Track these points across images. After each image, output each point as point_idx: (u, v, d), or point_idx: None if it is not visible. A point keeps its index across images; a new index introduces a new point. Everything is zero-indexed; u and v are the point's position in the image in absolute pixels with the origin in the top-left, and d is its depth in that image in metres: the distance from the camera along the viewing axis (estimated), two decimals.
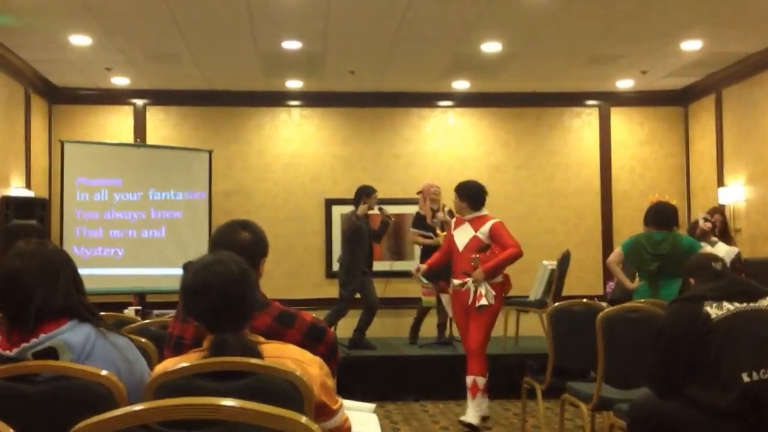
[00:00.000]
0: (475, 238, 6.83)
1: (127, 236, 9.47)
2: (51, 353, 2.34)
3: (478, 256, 6.74)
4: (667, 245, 6.25)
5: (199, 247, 9.72)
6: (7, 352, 2.35)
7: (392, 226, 9.10)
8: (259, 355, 2.34)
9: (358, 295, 8.67)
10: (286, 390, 2.22)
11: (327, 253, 10.50)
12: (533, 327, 8.97)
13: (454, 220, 7.21)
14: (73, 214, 9.26)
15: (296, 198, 10.67)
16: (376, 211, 8.68)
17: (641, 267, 6.42)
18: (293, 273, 10.42)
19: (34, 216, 8.46)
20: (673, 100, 10.88)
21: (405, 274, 8.90)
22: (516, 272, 10.27)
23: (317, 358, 2.50)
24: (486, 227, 6.84)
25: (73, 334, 2.40)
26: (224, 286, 2.40)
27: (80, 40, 8.15)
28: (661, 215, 6.43)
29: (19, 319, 2.39)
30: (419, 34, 8.12)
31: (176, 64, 9.14)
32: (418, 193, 8.97)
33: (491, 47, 8.64)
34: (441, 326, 8.95)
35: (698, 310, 3.56)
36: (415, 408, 7.82)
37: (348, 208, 8.84)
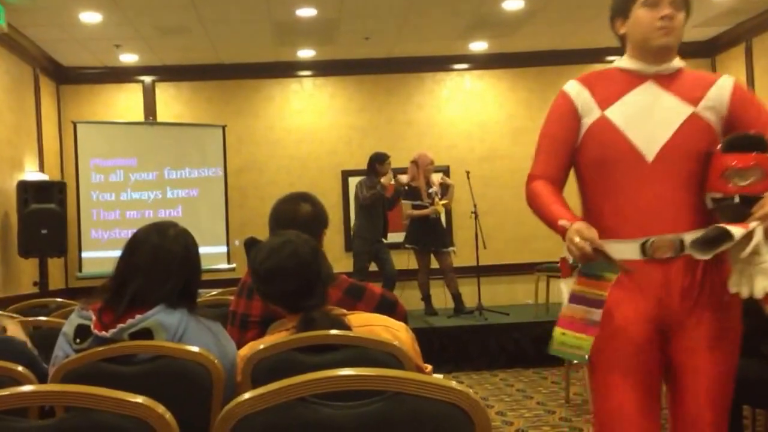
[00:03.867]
0: (694, 117, 2.65)
1: (144, 217, 9.25)
2: (146, 334, 2.33)
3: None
4: None
5: (216, 226, 9.66)
6: (104, 333, 2.33)
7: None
8: (348, 328, 2.33)
9: (373, 267, 8.55)
10: (383, 360, 2.20)
11: (345, 226, 10.29)
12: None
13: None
14: (89, 197, 9.07)
15: (311, 172, 10.44)
16: (391, 180, 8.54)
17: None
18: None
19: (52, 200, 8.31)
20: (700, 52, 10.58)
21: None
22: (543, 238, 10.19)
23: (402, 324, 2.50)
24: (717, 91, 2.69)
25: (167, 315, 2.36)
26: (299, 269, 2.41)
27: (90, 17, 7.96)
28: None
29: (114, 300, 2.39)
30: None
31: (187, 37, 8.91)
32: (411, 162, 8.79)
33: (513, 4, 8.41)
34: (457, 296, 8.78)
35: None
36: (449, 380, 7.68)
37: None
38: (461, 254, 9.42)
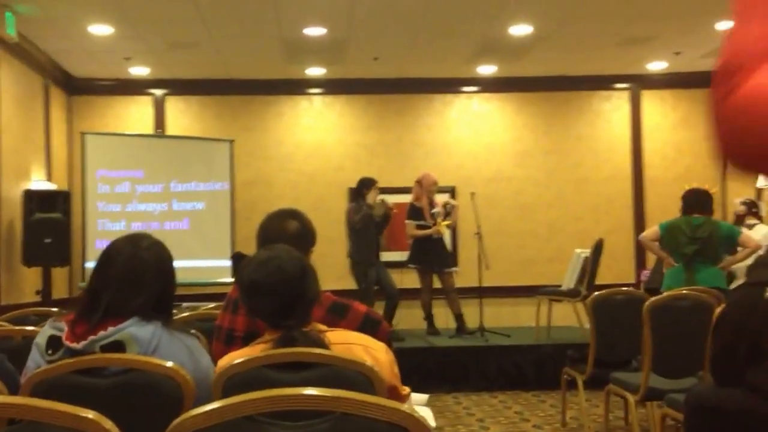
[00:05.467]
0: None
1: (149, 228, 9.27)
2: (118, 346, 2.32)
3: None
4: (706, 230, 6.33)
5: (221, 240, 9.70)
6: (75, 345, 2.32)
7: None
8: (325, 346, 2.31)
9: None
10: (357, 380, 2.19)
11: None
12: (564, 317, 8.80)
13: None
14: (95, 207, 9.13)
15: (318, 188, 10.48)
16: (378, 200, 8.61)
17: (677, 250, 6.44)
18: (316, 264, 10.05)
19: (57, 209, 8.36)
20: (708, 82, 10.45)
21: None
22: (546, 261, 10.25)
23: (383, 344, 2.47)
24: None
25: (140, 328, 2.36)
26: (282, 286, 2.38)
27: (100, 29, 8.02)
28: (699, 199, 6.54)
29: (88, 311, 2.38)
30: (446, 17, 7.96)
31: (197, 52, 8.98)
32: (416, 182, 8.83)
33: (521, 30, 8.43)
34: (459, 317, 8.77)
35: (760, 295, 3.42)
36: (447, 400, 7.67)
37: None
38: (465, 275, 9.42)
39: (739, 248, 6.35)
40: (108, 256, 2.48)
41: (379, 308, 8.55)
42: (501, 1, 7.52)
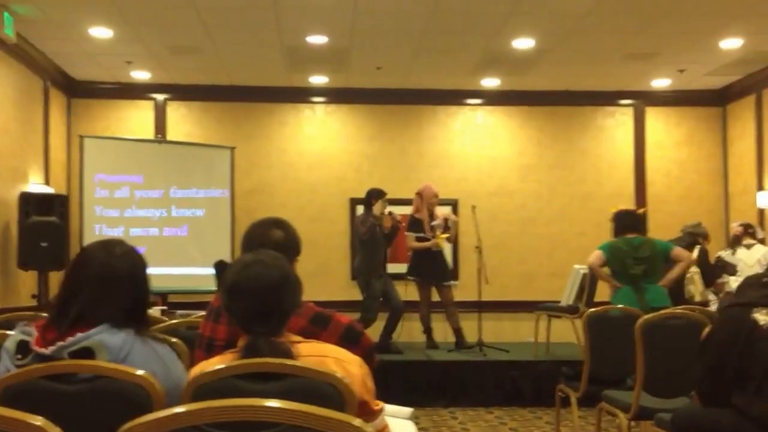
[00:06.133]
0: None
1: (148, 235, 9.24)
2: (88, 353, 2.29)
3: None
4: (647, 249, 6.46)
5: (220, 247, 9.61)
6: (43, 350, 2.29)
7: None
8: (292, 357, 2.30)
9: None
10: (326, 392, 2.18)
11: (352, 254, 10.23)
12: (564, 333, 8.72)
13: None
14: (93, 212, 9.05)
15: (320, 197, 10.43)
16: (386, 212, 8.54)
17: (624, 271, 6.46)
18: (317, 274, 10.18)
19: (53, 213, 8.30)
20: (712, 100, 10.55)
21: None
22: (546, 276, 10.17)
23: (358, 358, 2.45)
24: None
25: (110, 335, 2.33)
26: (262, 291, 2.37)
27: (101, 32, 7.99)
28: (632, 219, 6.74)
29: (59, 317, 2.35)
30: (449, 29, 7.94)
31: (199, 58, 8.96)
32: (416, 193, 8.78)
33: (524, 43, 8.40)
34: (458, 331, 8.70)
35: (747, 317, 3.38)
36: (444, 415, 7.60)
37: None
38: (466, 288, 9.36)
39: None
40: (80, 262, 2.46)
41: (382, 320, 8.51)
42: (504, 14, 7.48)
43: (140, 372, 2.25)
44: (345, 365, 2.35)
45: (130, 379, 2.24)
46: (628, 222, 6.62)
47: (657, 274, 6.43)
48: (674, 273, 6.56)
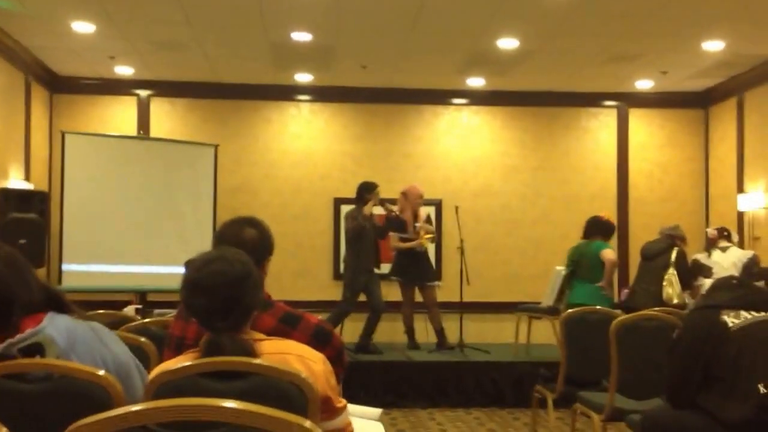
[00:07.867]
0: None
1: (129, 232, 9.16)
2: (37, 349, 2.29)
3: None
4: (579, 251, 7.63)
5: (203, 245, 9.44)
6: None
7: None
8: (254, 355, 2.29)
9: (362, 297, 8.45)
10: (288, 391, 2.18)
11: (335, 253, 10.22)
12: (544, 334, 8.72)
13: None
14: (74, 209, 8.95)
15: (304, 196, 10.39)
16: (381, 210, 8.50)
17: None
18: (299, 273, 10.15)
19: (33, 209, 8.22)
20: (694, 103, 10.57)
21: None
22: (529, 277, 10.17)
23: (321, 355, 2.45)
24: None
25: (55, 327, 2.33)
26: (222, 286, 2.35)
27: (83, 27, 7.90)
28: (588, 227, 7.78)
29: (3, 319, 2.34)
30: (434, 28, 7.90)
31: (183, 53, 8.89)
32: (401, 193, 8.76)
33: (508, 43, 8.38)
34: (439, 331, 8.68)
35: (715, 319, 3.42)
36: (422, 415, 7.59)
37: None
38: (449, 289, 9.34)
39: None
40: None
41: (361, 320, 8.48)
42: (488, 13, 7.46)
43: (101, 372, 2.26)
44: (308, 362, 2.35)
45: (82, 377, 2.24)
46: (586, 228, 7.77)
47: (588, 275, 7.47)
48: (605, 274, 7.46)
